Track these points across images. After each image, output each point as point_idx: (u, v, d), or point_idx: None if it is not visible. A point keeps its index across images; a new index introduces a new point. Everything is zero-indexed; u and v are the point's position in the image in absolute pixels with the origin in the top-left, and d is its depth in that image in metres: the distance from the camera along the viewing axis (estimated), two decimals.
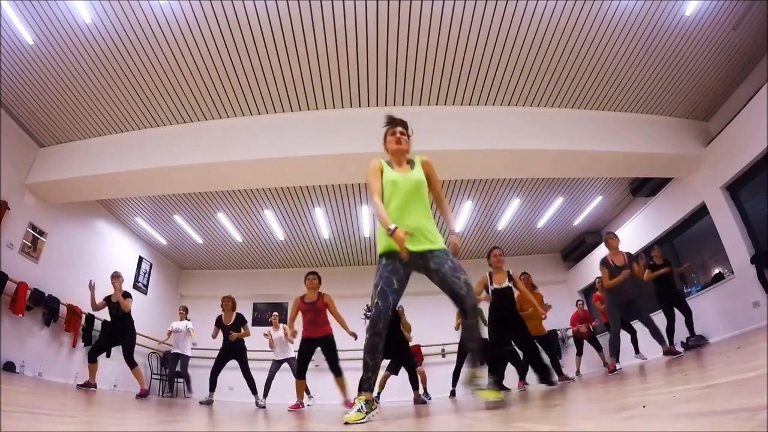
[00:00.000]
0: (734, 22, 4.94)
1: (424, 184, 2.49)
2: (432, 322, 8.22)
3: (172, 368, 7.81)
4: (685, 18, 4.86)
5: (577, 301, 8.18)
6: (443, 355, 6.76)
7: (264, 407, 5.56)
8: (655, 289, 5.94)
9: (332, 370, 4.58)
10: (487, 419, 1.88)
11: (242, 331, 5.82)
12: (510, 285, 4.66)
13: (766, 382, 1.12)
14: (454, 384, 6.17)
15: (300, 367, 4.69)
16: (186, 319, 7.93)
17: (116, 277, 5.75)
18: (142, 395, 5.36)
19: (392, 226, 2.23)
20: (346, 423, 1.91)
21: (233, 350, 5.76)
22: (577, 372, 7.50)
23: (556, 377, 4.49)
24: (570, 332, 8.52)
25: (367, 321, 5.89)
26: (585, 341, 7.44)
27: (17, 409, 1.74)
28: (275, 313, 7.49)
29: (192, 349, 8.07)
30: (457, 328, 6.12)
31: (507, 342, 4.97)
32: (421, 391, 5.37)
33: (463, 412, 2.71)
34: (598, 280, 7.68)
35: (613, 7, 4.69)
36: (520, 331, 4.62)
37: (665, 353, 4.70)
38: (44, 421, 1.51)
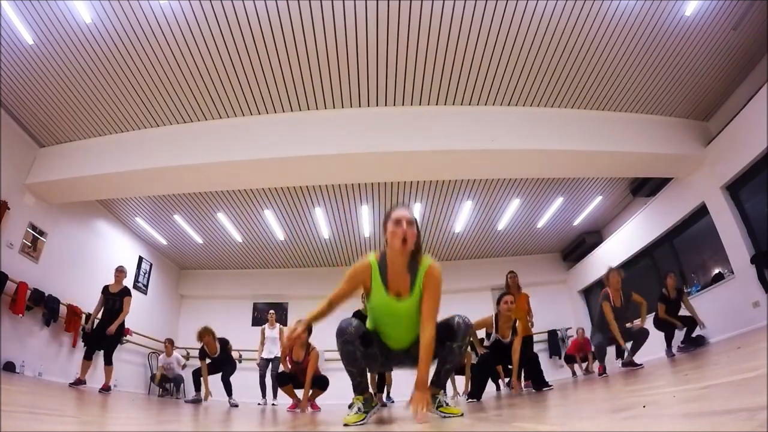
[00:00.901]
0: (734, 22, 4.94)
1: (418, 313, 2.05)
2: None
3: (163, 381, 7.80)
4: (685, 18, 4.86)
5: (578, 329, 8.24)
6: None
7: (236, 406, 5.66)
8: (658, 319, 5.81)
9: (316, 383, 4.78)
10: (487, 419, 1.88)
11: (232, 357, 6.26)
12: (512, 340, 4.48)
13: (766, 382, 1.12)
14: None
15: (281, 382, 4.88)
16: (174, 351, 7.90)
17: (120, 271, 5.85)
18: (105, 389, 5.34)
19: (304, 322, 2.05)
20: (346, 424, 1.85)
21: (224, 364, 6.11)
22: (573, 374, 7.54)
23: (548, 383, 4.48)
24: (569, 332, 8.55)
25: None
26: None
27: (17, 409, 1.74)
28: (272, 311, 7.51)
29: (187, 349, 8.12)
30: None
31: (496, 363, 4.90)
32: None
33: (462, 411, 2.70)
34: (581, 331, 7.98)
35: (613, 7, 4.68)
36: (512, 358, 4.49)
37: (624, 364, 4.77)
38: (44, 421, 1.51)
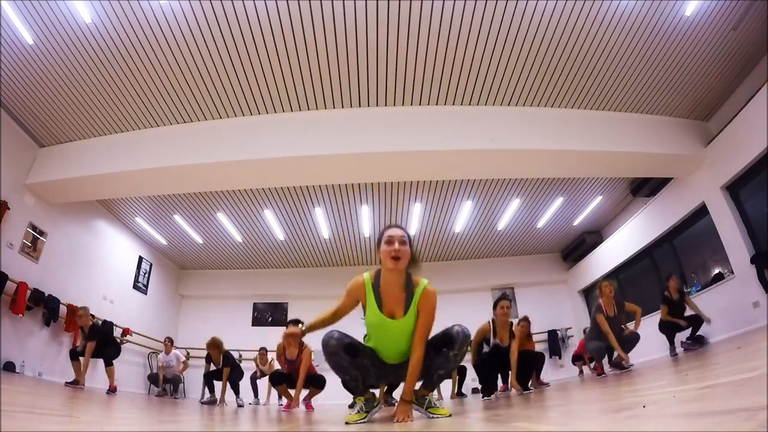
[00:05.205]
0: (734, 22, 4.94)
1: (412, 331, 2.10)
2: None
3: (161, 382, 7.79)
4: (685, 18, 4.86)
5: (584, 329, 8.24)
6: None
7: (241, 406, 5.74)
8: (661, 321, 5.81)
9: (312, 383, 4.81)
10: (487, 419, 1.89)
11: (239, 366, 6.46)
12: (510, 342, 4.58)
13: (766, 382, 1.12)
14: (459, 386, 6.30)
15: (277, 382, 4.90)
16: (173, 349, 7.90)
17: (78, 315, 5.77)
18: (112, 390, 5.45)
19: (305, 327, 2.16)
20: (347, 423, 1.94)
21: (230, 372, 6.22)
22: (580, 372, 7.53)
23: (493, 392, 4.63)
24: (569, 332, 8.53)
25: None
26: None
27: (17, 409, 1.74)
28: (262, 349, 7.41)
29: (186, 348, 8.14)
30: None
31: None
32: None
33: (463, 412, 2.71)
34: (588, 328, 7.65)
35: (613, 7, 4.68)
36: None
37: (612, 365, 4.92)
38: (44, 421, 1.51)
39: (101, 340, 5.64)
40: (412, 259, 2.05)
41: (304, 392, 4.80)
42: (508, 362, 4.55)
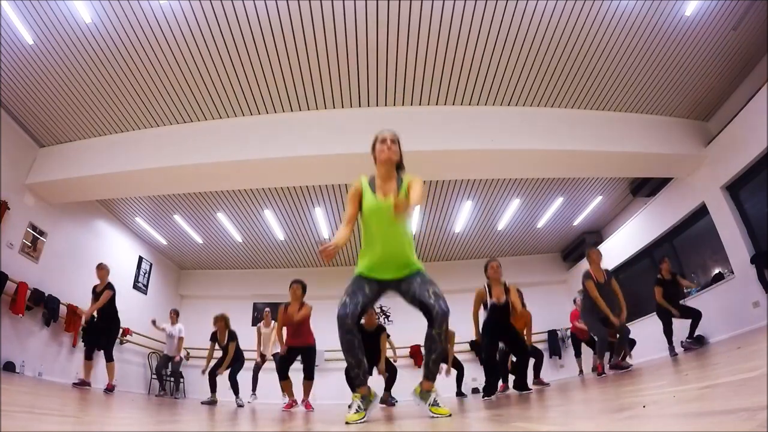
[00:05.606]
0: (734, 22, 4.94)
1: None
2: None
3: (161, 366, 7.84)
4: (685, 18, 4.86)
5: (575, 298, 8.14)
6: None
7: (241, 406, 5.71)
8: (657, 305, 5.83)
9: (305, 373, 4.77)
10: (487, 419, 1.89)
11: (229, 349, 6.12)
12: (508, 300, 4.61)
13: (766, 382, 1.12)
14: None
15: (282, 370, 4.81)
16: (177, 323, 7.95)
17: (100, 268, 5.68)
18: (109, 389, 5.40)
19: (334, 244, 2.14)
20: (347, 423, 1.95)
21: (232, 359, 6.11)
22: (580, 371, 7.50)
23: (529, 387, 4.69)
24: (569, 332, 8.47)
25: (384, 318, 5.85)
26: (583, 343, 7.40)
27: (17, 409, 1.74)
28: (267, 309, 7.42)
29: (186, 348, 8.12)
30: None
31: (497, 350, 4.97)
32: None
33: (463, 412, 2.71)
34: (578, 297, 7.53)
35: (613, 7, 4.68)
36: (517, 340, 4.62)
37: (612, 366, 4.89)
38: (44, 421, 1.51)
39: (112, 306, 5.56)
40: (400, 161, 2.45)
41: (301, 394, 4.80)
42: (507, 323, 4.56)
